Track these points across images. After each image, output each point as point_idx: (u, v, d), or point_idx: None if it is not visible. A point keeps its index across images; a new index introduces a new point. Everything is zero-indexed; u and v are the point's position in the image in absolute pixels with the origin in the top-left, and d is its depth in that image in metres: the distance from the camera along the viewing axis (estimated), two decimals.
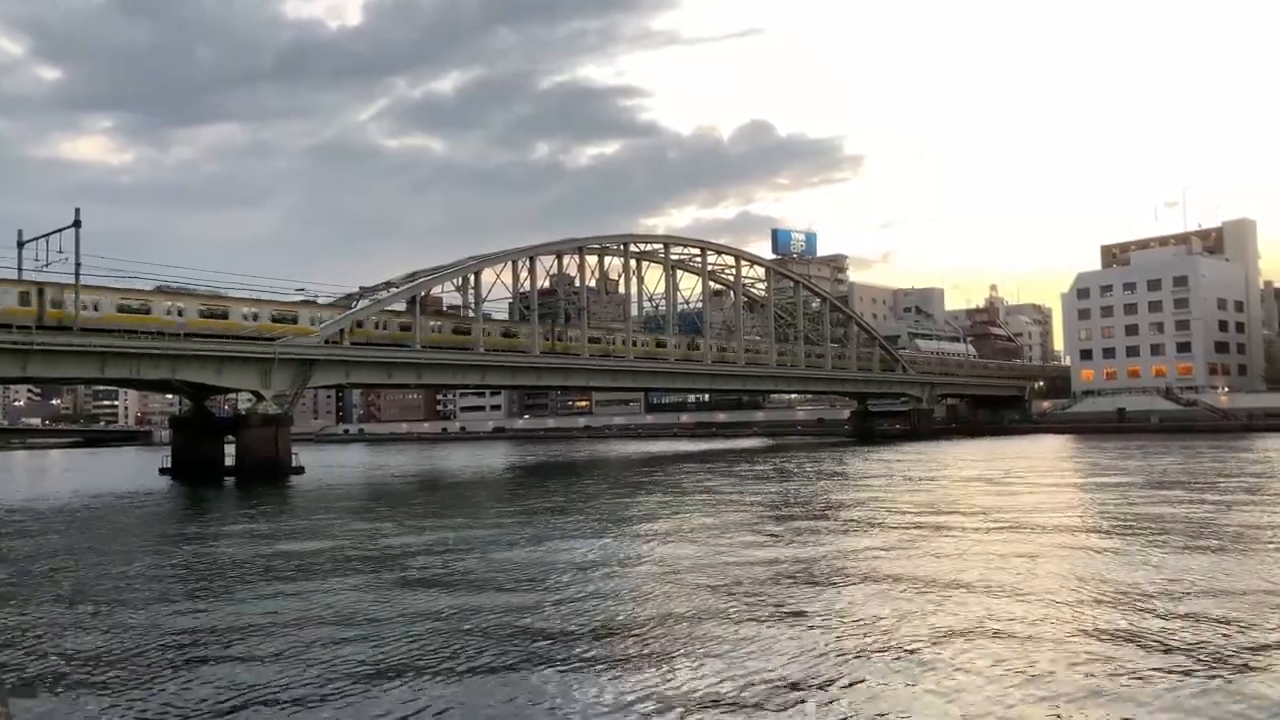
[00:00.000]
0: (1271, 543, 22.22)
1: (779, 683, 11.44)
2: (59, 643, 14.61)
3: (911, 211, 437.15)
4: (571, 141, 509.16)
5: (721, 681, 11.54)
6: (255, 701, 11.33)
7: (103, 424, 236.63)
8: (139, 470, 74.48)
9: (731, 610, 15.65)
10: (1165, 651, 12.53)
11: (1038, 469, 52.89)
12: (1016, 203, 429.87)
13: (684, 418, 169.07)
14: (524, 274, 79.17)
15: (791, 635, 13.88)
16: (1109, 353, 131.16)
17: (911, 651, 12.74)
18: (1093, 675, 11.52)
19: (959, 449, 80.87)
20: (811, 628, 14.34)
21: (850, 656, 12.57)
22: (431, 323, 73.52)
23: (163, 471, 63.34)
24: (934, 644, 13.12)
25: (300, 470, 60.59)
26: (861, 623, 14.57)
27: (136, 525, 34.39)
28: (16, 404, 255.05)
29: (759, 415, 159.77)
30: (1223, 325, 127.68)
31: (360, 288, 73.34)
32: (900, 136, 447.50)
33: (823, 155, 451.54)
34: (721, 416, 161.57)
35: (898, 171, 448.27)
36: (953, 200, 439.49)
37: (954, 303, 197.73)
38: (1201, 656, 12.24)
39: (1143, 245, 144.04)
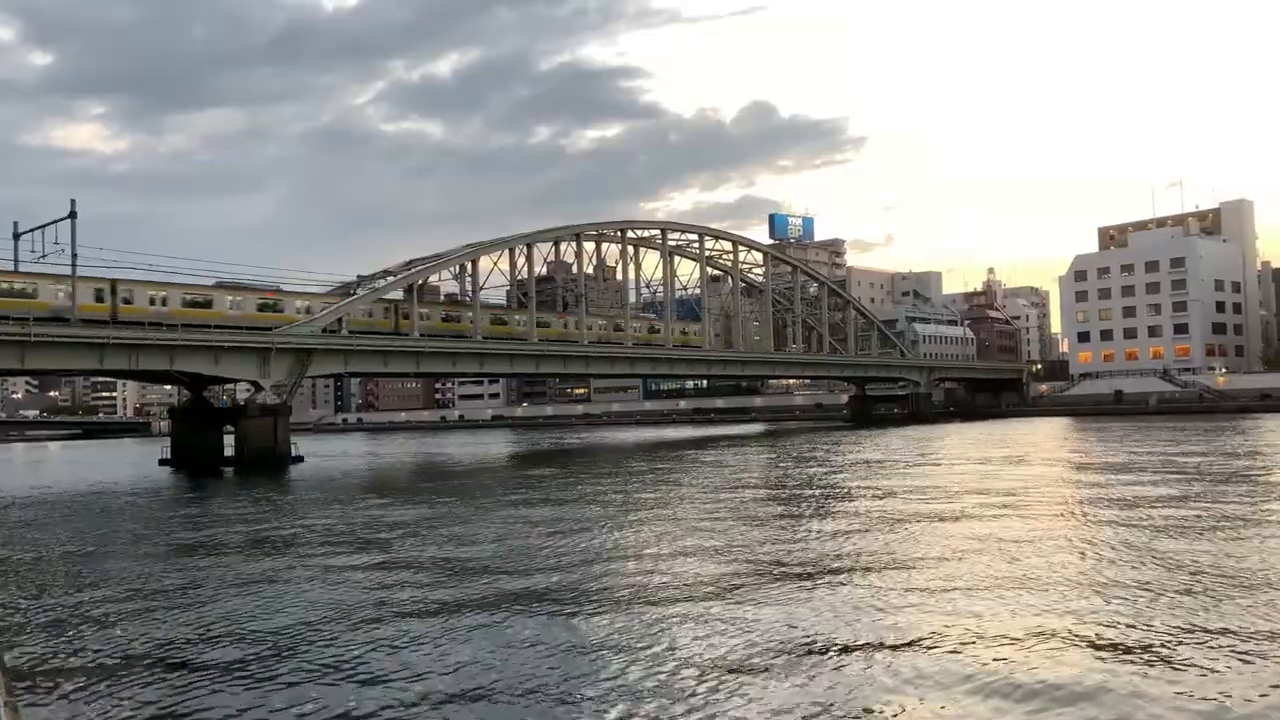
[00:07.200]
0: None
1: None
2: (55, 630, 14.68)
3: (913, 194, 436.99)
4: (572, 124, 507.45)
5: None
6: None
7: (101, 415, 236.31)
8: (138, 461, 74.50)
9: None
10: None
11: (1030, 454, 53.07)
12: (1016, 186, 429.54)
13: (682, 404, 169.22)
14: (521, 261, 79.10)
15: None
16: (1106, 335, 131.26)
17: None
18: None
19: (958, 432, 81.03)
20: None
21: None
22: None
23: (162, 462, 63.35)
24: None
25: (300, 459, 60.68)
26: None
27: (135, 516, 34.40)
28: (14, 396, 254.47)
29: (757, 401, 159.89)
30: (1220, 306, 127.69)
31: (358, 276, 73.25)
32: (903, 119, 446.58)
33: (825, 137, 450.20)
34: (719, 402, 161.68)
35: (901, 154, 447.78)
36: (954, 184, 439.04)
37: (952, 286, 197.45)
38: None
39: (1140, 227, 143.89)
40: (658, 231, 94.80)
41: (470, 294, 76.88)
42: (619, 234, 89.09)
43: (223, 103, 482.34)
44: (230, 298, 60.18)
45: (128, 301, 54.58)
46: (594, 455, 66.33)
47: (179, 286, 58.27)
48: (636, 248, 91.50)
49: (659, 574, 17.86)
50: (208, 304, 58.57)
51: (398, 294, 70.40)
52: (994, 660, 11.47)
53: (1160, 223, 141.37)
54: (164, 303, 56.25)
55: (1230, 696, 10.00)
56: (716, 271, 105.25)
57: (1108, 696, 10.09)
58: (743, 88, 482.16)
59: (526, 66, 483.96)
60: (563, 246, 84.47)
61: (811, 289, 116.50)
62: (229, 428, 62.19)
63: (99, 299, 53.81)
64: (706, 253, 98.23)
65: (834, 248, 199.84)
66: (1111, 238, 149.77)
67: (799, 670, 11.29)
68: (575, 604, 15.30)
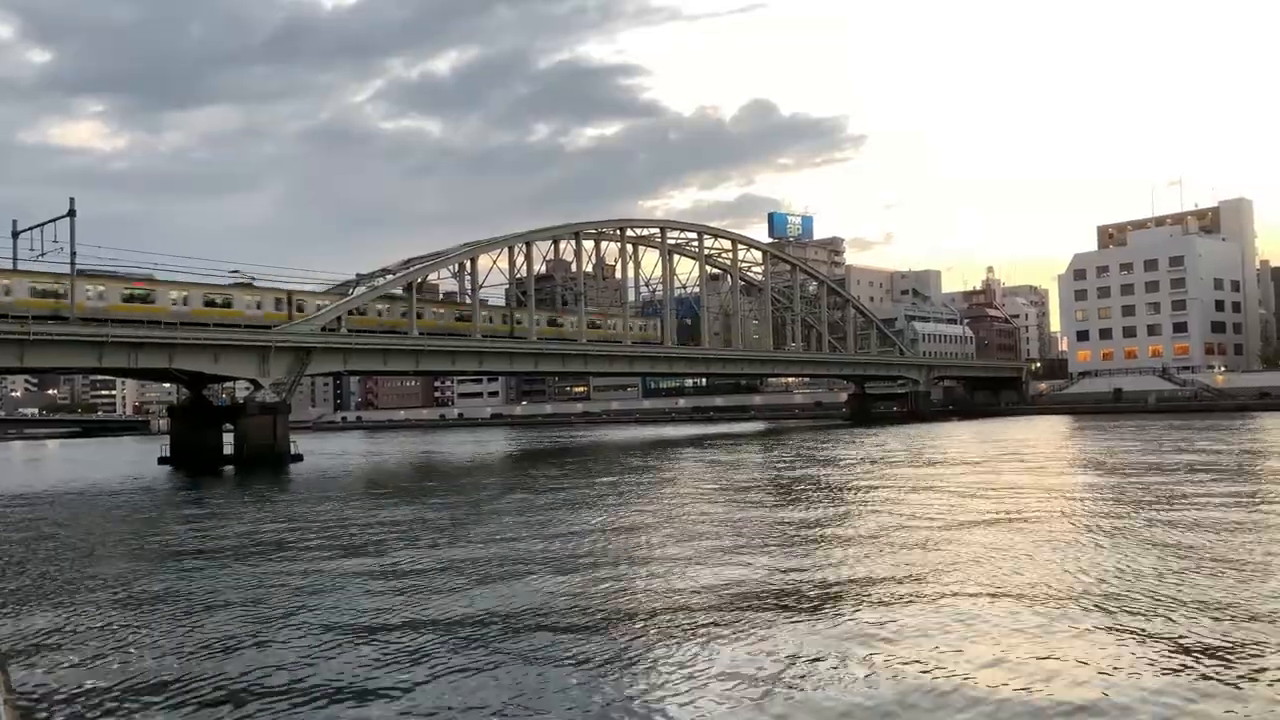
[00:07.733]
0: None
1: None
2: (54, 631, 14.67)
3: (913, 193, 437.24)
4: (571, 122, 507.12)
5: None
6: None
7: (100, 414, 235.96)
8: (137, 459, 74.43)
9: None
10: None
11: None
12: (1016, 185, 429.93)
13: (681, 402, 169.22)
14: (520, 259, 79.08)
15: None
16: (1106, 333, 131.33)
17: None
18: None
19: (958, 431, 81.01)
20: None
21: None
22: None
23: (161, 461, 63.23)
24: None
25: (299, 458, 60.58)
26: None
27: (133, 515, 34.36)
28: (13, 394, 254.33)
29: (756, 399, 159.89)
30: (1219, 305, 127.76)
31: (357, 274, 73.12)
32: (903, 118, 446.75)
33: (825, 135, 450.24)
34: (719, 401, 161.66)
35: (901, 153, 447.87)
36: (954, 183, 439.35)
37: (951, 285, 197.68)
38: None
39: (1139, 226, 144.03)
40: (657, 230, 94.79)
41: (470, 292, 76.86)
42: (618, 232, 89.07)
43: (220, 100, 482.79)
44: (90, 287, 54.85)
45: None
46: (593, 454, 66.31)
47: (25, 274, 53.44)
48: (635, 246, 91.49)
49: (655, 578, 17.85)
50: (64, 295, 53.19)
51: (398, 291, 70.43)
52: (1010, 669, 11.41)
53: (1159, 221, 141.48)
54: (7, 293, 51.16)
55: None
56: (716, 270, 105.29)
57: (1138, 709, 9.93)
58: (743, 86, 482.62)
59: (526, 64, 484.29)
60: (562, 245, 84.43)
61: (811, 287, 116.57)
62: (228, 426, 62.08)
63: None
64: (706, 251, 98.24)
65: (833, 246, 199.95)
66: (1111, 236, 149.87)
67: (801, 679, 11.27)
68: (574, 613, 15.25)
